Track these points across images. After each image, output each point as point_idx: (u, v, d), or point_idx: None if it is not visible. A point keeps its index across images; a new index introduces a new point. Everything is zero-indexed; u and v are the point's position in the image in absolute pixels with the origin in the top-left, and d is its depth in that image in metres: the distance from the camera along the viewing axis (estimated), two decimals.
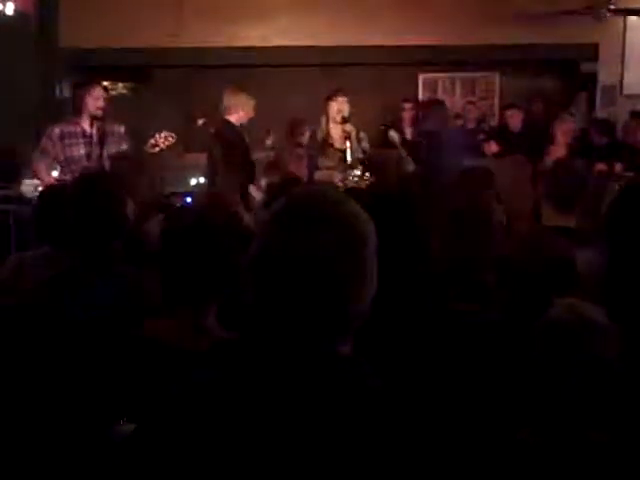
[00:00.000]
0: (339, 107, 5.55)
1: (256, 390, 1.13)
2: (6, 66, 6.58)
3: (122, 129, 5.37)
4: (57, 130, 5.18)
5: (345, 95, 5.62)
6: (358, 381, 1.14)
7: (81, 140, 5.20)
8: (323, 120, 5.67)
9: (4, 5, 6.00)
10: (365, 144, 5.70)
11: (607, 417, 1.67)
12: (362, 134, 5.73)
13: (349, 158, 5.41)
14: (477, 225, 2.60)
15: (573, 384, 1.67)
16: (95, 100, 5.19)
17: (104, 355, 1.93)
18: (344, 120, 5.48)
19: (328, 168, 5.56)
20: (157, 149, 5.05)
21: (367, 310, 1.19)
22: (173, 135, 5.06)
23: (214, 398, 1.15)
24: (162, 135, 5.06)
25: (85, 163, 5.13)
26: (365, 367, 1.17)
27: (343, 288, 1.13)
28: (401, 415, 1.13)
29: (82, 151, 5.19)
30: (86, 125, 5.23)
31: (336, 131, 5.61)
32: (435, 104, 6.13)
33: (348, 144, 5.41)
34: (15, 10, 6.07)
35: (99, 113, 5.20)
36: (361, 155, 5.55)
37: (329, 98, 5.65)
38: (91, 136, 5.21)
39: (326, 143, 5.62)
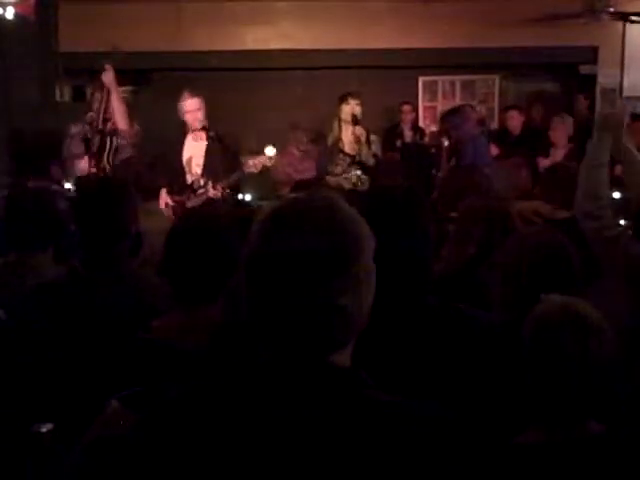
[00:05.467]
0: (351, 109, 5.49)
1: (246, 400, 1.11)
2: (6, 69, 6.59)
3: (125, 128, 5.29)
4: (72, 129, 5.37)
5: (357, 97, 5.56)
6: (354, 392, 1.11)
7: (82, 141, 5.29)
8: (335, 124, 5.60)
9: (4, 9, 6.01)
10: (375, 147, 5.60)
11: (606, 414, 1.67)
12: (373, 137, 5.61)
13: (360, 160, 5.36)
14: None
15: (567, 382, 1.67)
16: (96, 102, 5.34)
17: (112, 357, 1.94)
18: (355, 121, 5.42)
19: (337, 174, 5.49)
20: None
21: (365, 317, 1.15)
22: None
23: (204, 408, 1.13)
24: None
25: (81, 163, 5.18)
26: (363, 378, 1.15)
27: (336, 295, 1.10)
28: (400, 428, 1.10)
29: (80, 151, 5.26)
30: (88, 127, 5.31)
31: (347, 134, 5.54)
32: (467, 107, 6.16)
33: (358, 147, 5.36)
34: (15, 14, 6.07)
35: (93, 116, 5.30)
36: (372, 160, 5.49)
37: (341, 100, 5.58)
38: (91, 137, 5.26)
39: (336, 148, 5.56)
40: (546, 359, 1.69)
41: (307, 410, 1.09)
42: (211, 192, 4.89)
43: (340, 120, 5.56)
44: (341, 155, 5.53)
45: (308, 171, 6.16)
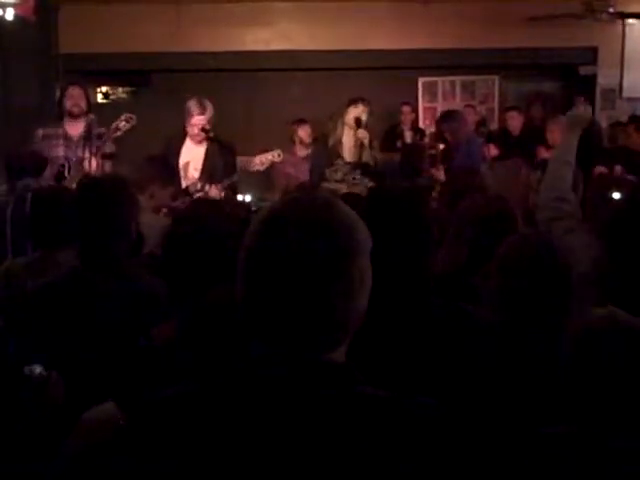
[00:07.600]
0: (357, 114, 5.36)
1: (239, 397, 1.11)
2: (5, 70, 6.60)
3: (103, 130, 5.21)
4: (40, 132, 5.29)
5: (368, 105, 5.44)
6: (346, 388, 1.12)
7: (61, 142, 5.23)
8: (339, 125, 5.48)
9: (4, 10, 6.02)
10: (376, 152, 5.50)
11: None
12: (375, 142, 5.51)
13: (363, 163, 5.28)
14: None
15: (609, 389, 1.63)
16: (69, 99, 5.29)
17: (114, 359, 1.94)
18: (358, 124, 5.29)
19: (338, 181, 5.31)
20: (119, 133, 4.94)
21: (361, 316, 1.16)
22: (133, 116, 4.94)
23: (196, 406, 1.12)
24: (122, 118, 4.96)
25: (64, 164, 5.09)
26: (355, 374, 1.15)
27: (332, 293, 1.10)
28: (393, 423, 1.09)
29: (61, 153, 5.19)
30: (68, 127, 5.27)
31: (348, 139, 5.40)
32: (457, 112, 6.17)
33: (360, 152, 5.26)
34: (15, 15, 6.08)
35: (75, 110, 5.26)
36: (372, 161, 5.39)
37: (349, 104, 5.45)
38: (71, 139, 5.22)
39: (335, 152, 5.43)
40: (592, 370, 1.65)
41: (299, 407, 1.09)
42: (213, 192, 4.84)
43: (343, 123, 5.45)
44: (340, 160, 5.43)
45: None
